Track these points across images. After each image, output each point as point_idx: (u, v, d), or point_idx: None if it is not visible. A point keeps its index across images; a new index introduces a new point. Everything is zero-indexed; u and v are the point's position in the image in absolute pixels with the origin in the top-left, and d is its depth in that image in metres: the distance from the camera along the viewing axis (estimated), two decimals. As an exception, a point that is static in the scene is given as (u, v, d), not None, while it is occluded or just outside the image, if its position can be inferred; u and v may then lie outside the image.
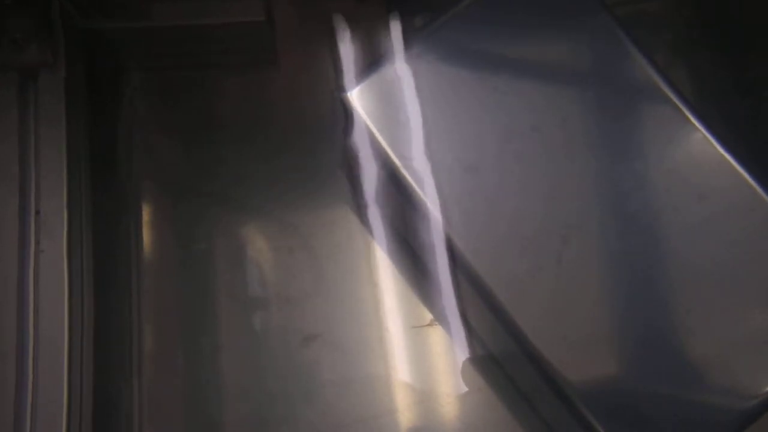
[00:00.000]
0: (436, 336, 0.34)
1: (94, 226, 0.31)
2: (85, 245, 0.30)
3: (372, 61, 0.28)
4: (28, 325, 0.27)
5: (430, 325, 0.34)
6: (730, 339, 0.25)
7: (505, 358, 0.31)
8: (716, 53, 0.38)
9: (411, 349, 0.34)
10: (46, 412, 0.27)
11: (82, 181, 0.31)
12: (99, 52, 0.35)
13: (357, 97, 0.27)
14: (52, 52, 0.30)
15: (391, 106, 0.27)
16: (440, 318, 0.34)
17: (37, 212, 0.28)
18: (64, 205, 0.29)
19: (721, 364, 0.25)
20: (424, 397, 0.33)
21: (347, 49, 0.33)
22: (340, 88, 0.27)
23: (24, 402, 0.27)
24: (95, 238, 0.31)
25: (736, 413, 0.24)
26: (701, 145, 0.27)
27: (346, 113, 0.27)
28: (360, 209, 0.35)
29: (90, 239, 0.31)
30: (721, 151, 0.27)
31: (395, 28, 0.31)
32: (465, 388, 0.33)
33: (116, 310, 0.33)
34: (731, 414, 0.24)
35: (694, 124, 0.27)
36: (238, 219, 0.36)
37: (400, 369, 0.33)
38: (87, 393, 0.29)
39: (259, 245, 0.35)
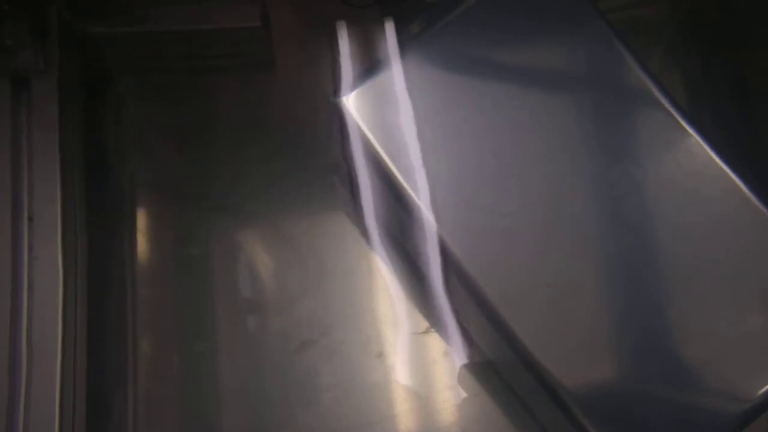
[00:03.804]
0: (433, 342, 0.34)
1: (89, 231, 0.31)
2: (79, 251, 0.30)
3: (368, 66, 0.28)
4: (22, 332, 0.27)
5: (426, 332, 0.34)
6: (725, 343, 0.25)
7: (502, 364, 0.31)
8: (710, 59, 0.39)
9: (408, 356, 0.34)
10: (38, 419, 0.26)
11: (77, 187, 0.31)
12: (94, 57, 0.35)
13: (352, 102, 0.27)
14: (46, 57, 0.30)
15: (387, 111, 0.27)
16: (437, 325, 0.34)
17: (30, 219, 0.28)
18: (58, 211, 0.28)
19: (716, 368, 0.25)
20: (422, 403, 0.33)
21: (343, 55, 0.33)
22: (336, 93, 0.27)
23: (16, 410, 0.26)
24: (90, 243, 0.31)
25: (732, 417, 0.25)
26: (694, 150, 0.27)
27: (341, 118, 0.27)
28: (356, 215, 0.35)
29: (85, 245, 0.31)
30: (714, 156, 0.27)
31: (391, 34, 0.31)
32: (462, 394, 0.33)
33: (111, 316, 0.33)
34: (726, 418, 0.25)
35: (687, 130, 0.27)
36: (234, 224, 0.36)
37: (398, 375, 0.33)
38: (80, 400, 0.29)
39: (255, 250, 0.35)
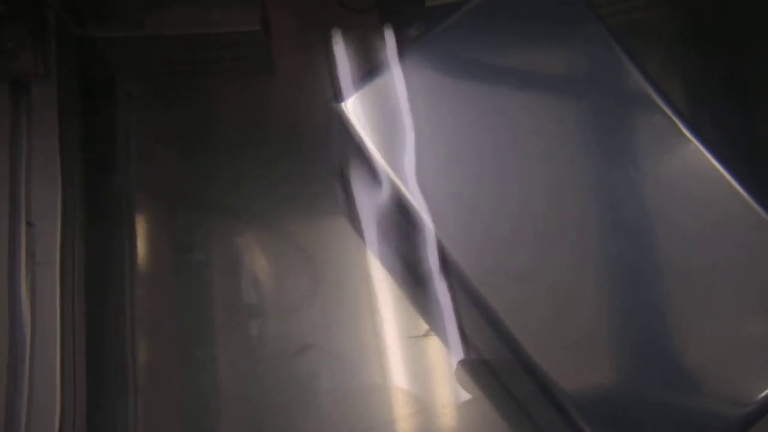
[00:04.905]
0: (433, 346, 0.34)
1: (88, 235, 0.31)
2: (78, 255, 0.30)
3: (366, 71, 0.28)
4: (21, 337, 0.27)
5: (425, 335, 0.34)
6: (725, 347, 0.25)
7: (501, 367, 0.31)
8: (710, 59, 0.39)
9: (407, 359, 0.34)
10: (39, 426, 0.26)
11: (76, 191, 0.31)
12: (93, 61, 0.35)
13: (351, 107, 0.27)
14: (45, 61, 0.30)
15: (385, 116, 0.27)
16: (436, 328, 0.34)
17: (29, 223, 0.28)
18: (58, 216, 0.28)
19: (716, 371, 0.25)
20: (421, 406, 0.33)
21: (342, 59, 0.33)
22: (335, 98, 0.27)
23: (16, 416, 0.26)
24: (89, 247, 0.31)
25: (732, 420, 0.25)
26: (693, 154, 0.27)
27: (340, 123, 0.27)
28: (355, 219, 0.35)
29: (84, 249, 0.31)
30: (713, 161, 0.27)
31: (390, 39, 0.31)
32: (461, 398, 0.33)
33: (111, 321, 0.33)
34: (727, 421, 0.24)
35: (685, 135, 0.27)
36: (234, 228, 0.36)
37: (397, 379, 0.33)
38: (80, 406, 0.29)
39: (255, 254, 0.35)
